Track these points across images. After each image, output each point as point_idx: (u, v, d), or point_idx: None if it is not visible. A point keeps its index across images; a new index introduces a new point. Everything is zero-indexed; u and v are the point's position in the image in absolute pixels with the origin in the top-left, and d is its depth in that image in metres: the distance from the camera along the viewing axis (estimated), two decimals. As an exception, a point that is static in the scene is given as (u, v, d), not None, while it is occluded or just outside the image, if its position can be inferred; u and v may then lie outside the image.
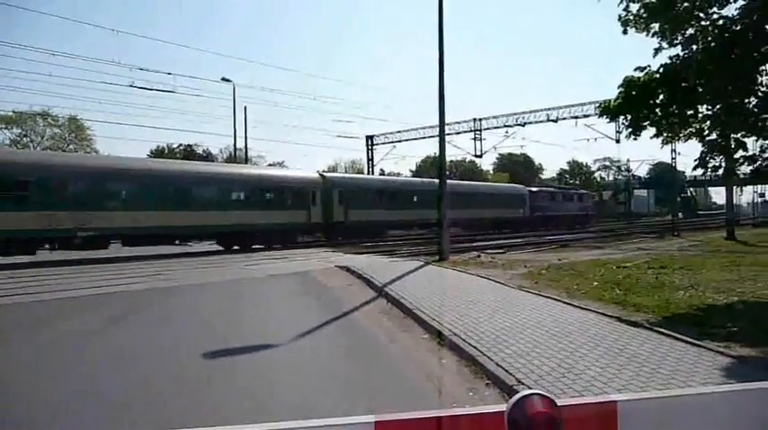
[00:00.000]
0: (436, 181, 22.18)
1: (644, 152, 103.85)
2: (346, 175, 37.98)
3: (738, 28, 9.51)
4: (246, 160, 44.09)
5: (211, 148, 68.69)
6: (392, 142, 51.32)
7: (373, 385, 6.00)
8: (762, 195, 70.49)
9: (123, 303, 11.55)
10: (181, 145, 68.21)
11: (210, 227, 26.21)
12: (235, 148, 43.38)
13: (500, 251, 23.39)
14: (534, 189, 50.93)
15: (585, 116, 40.16)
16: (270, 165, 66.54)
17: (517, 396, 1.11)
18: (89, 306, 11.25)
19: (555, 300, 9.95)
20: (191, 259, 21.70)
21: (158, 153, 67.37)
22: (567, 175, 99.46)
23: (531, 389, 3.44)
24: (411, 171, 76.35)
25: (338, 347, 7.89)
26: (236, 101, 38.32)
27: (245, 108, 40.21)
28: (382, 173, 60.39)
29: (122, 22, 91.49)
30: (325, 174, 33.77)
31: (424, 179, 43.45)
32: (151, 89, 32.43)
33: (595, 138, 45.86)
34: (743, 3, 9.69)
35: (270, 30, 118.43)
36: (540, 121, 43.41)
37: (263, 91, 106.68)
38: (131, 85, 31.49)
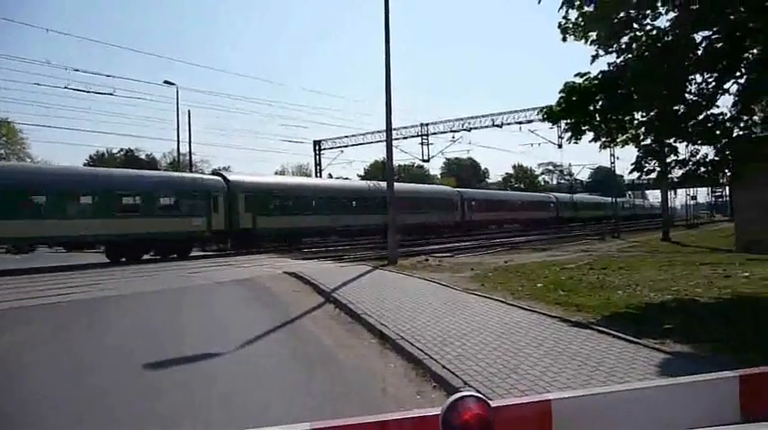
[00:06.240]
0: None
1: (585, 157, 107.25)
2: None
3: (669, 38, 9.95)
4: (191, 165, 43.13)
5: (155, 153, 66.90)
6: (340, 147, 51.26)
7: (320, 391, 5.94)
8: (694, 198, 73.98)
9: (57, 316, 11.02)
10: (121, 150, 66.24)
11: None
12: (179, 153, 42.37)
13: (448, 254, 23.68)
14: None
15: (529, 121, 41.11)
16: (215, 170, 65.43)
17: (451, 398, 1.11)
18: (18, 320, 10.65)
19: (501, 302, 10.11)
20: (134, 267, 21.03)
21: (98, 158, 65.23)
22: (513, 179, 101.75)
23: (471, 390, 3.46)
24: (359, 176, 76.45)
25: (285, 354, 7.77)
26: (179, 104, 37.44)
27: (189, 112, 39.34)
28: (330, 177, 60.17)
29: (55, 20, 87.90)
30: None
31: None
32: (88, 91, 31.22)
33: (539, 143, 47.12)
34: (674, 15, 10.15)
35: (214, 33, 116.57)
36: (486, 126, 44.16)
37: (209, 95, 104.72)
38: (66, 87, 30.24)
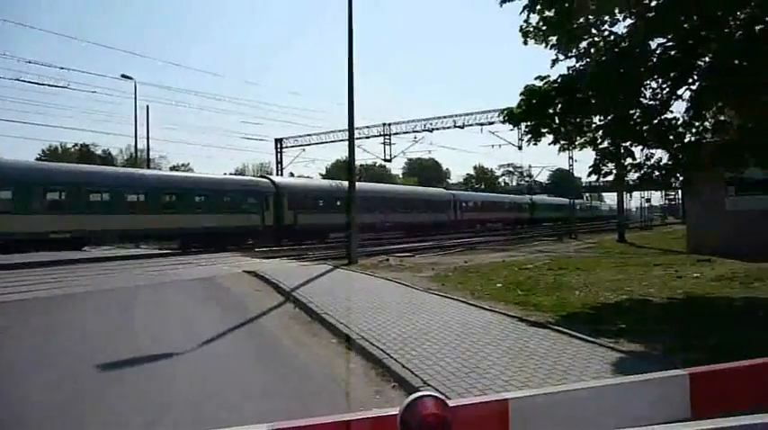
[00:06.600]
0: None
1: (545, 159, 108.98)
2: None
3: (626, 44, 10.20)
4: (148, 161, 42.19)
5: (111, 149, 65.19)
6: (302, 145, 50.83)
7: (280, 391, 5.89)
8: (648, 200, 76.26)
9: (9, 313, 10.62)
10: (76, 144, 64.35)
11: None
12: (136, 149, 41.46)
13: (408, 254, 23.75)
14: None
15: (490, 123, 41.40)
16: (173, 167, 64.22)
17: (409, 398, 1.11)
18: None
19: (461, 301, 10.20)
20: (92, 265, 20.43)
21: (51, 153, 63.26)
22: (474, 180, 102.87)
23: (430, 390, 3.47)
24: (321, 174, 76.01)
25: (244, 354, 7.68)
26: (137, 99, 36.60)
27: (147, 107, 38.49)
28: (291, 176, 59.77)
29: (7, 10, 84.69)
30: None
31: None
32: (41, 84, 30.20)
33: (500, 145, 47.34)
34: (631, 22, 10.41)
35: (174, 28, 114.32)
36: (448, 127, 44.38)
37: (168, 90, 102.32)
38: (18, 80, 29.16)
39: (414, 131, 46.42)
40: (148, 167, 40.59)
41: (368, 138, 47.09)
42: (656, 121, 10.48)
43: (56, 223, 23.17)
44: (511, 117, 11.60)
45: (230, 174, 62.17)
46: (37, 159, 53.53)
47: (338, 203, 36.85)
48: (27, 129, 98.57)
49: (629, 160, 11.13)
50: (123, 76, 36.04)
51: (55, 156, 60.99)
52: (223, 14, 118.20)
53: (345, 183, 45.44)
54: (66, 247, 23.93)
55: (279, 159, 51.81)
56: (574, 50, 10.80)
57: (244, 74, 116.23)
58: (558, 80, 10.75)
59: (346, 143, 21.55)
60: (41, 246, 23.01)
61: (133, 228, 26.38)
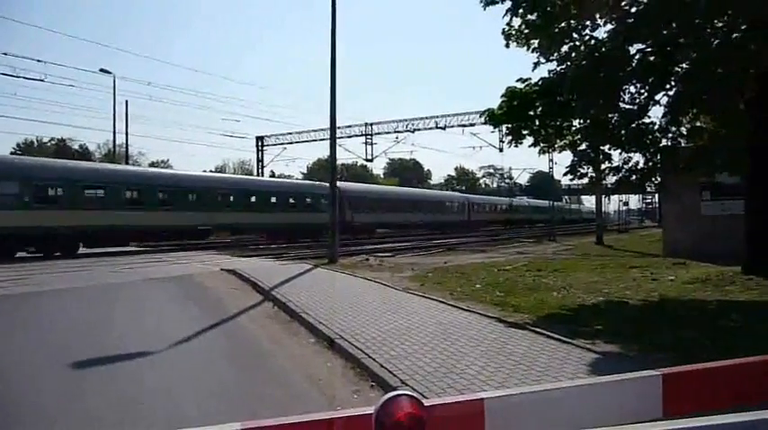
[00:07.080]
0: None
1: (525, 161, 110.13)
2: None
3: (606, 49, 10.32)
4: (127, 158, 41.65)
5: (88, 144, 64.20)
6: (283, 144, 50.56)
7: (257, 391, 5.85)
8: (626, 203, 77.27)
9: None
10: (53, 139, 63.33)
11: None
12: (114, 144, 40.85)
13: (389, 254, 23.75)
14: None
15: (472, 125, 41.68)
16: (152, 163, 63.49)
17: (384, 397, 1.10)
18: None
19: (440, 302, 10.21)
20: (61, 262, 20.10)
21: (26, 147, 62.17)
22: (455, 181, 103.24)
23: (408, 389, 3.47)
24: (302, 173, 75.68)
25: (221, 353, 7.61)
26: (116, 94, 36.15)
27: (126, 102, 38.04)
28: (272, 174, 59.53)
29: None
30: None
31: None
32: (16, 76, 29.69)
33: (480, 147, 47.73)
34: (611, 27, 10.54)
35: (155, 22, 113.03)
36: (429, 128, 44.57)
37: (148, 86, 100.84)
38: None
39: (395, 132, 46.54)
40: (127, 163, 40.17)
41: (350, 137, 47.11)
42: (633, 126, 10.62)
43: (201, 219, 30.17)
44: (492, 118, 11.69)
45: (211, 171, 61.75)
46: (11, 153, 52.54)
47: (384, 205, 45.79)
48: (3, 123, 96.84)
49: (606, 163, 11.28)
50: (102, 70, 35.61)
51: (30, 150, 59.96)
52: (207, 10, 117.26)
53: (391, 188, 54.11)
54: (202, 237, 31.84)
55: (260, 157, 51.50)
56: (555, 54, 10.92)
57: (224, 71, 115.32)
58: (539, 83, 10.86)
59: (328, 142, 21.51)
60: (188, 235, 30.49)
61: (243, 222, 33.40)
